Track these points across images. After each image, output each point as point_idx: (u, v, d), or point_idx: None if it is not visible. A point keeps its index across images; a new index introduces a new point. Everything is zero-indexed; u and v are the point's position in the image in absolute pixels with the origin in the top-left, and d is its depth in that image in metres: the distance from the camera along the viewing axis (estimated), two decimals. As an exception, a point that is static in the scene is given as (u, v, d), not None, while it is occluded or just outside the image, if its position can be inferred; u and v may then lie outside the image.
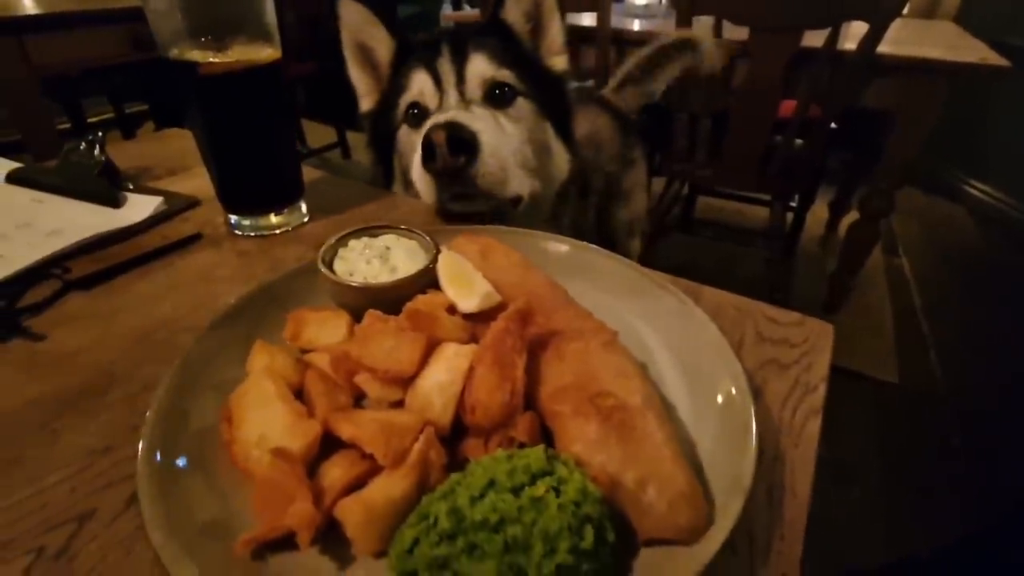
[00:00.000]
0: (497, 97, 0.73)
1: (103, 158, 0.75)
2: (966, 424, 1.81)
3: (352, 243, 0.50)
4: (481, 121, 0.66)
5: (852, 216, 2.12)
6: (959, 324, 2.30)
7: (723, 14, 1.73)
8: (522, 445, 0.35)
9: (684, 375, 0.43)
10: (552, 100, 0.78)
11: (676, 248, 2.70)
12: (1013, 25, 2.95)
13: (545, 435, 0.36)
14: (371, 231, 0.51)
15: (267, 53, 0.59)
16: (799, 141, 1.90)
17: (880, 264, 2.61)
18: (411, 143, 0.73)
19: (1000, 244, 2.91)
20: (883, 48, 1.70)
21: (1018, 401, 1.91)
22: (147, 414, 0.37)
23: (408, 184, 0.76)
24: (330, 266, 0.48)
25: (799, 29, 1.65)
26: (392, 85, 0.79)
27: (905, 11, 3.20)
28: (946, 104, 1.75)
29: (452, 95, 0.72)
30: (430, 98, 0.73)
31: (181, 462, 0.35)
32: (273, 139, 0.64)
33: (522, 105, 0.75)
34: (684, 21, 1.79)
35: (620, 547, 0.30)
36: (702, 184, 2.65)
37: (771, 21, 1.66)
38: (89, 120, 3.74)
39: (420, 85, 0.73)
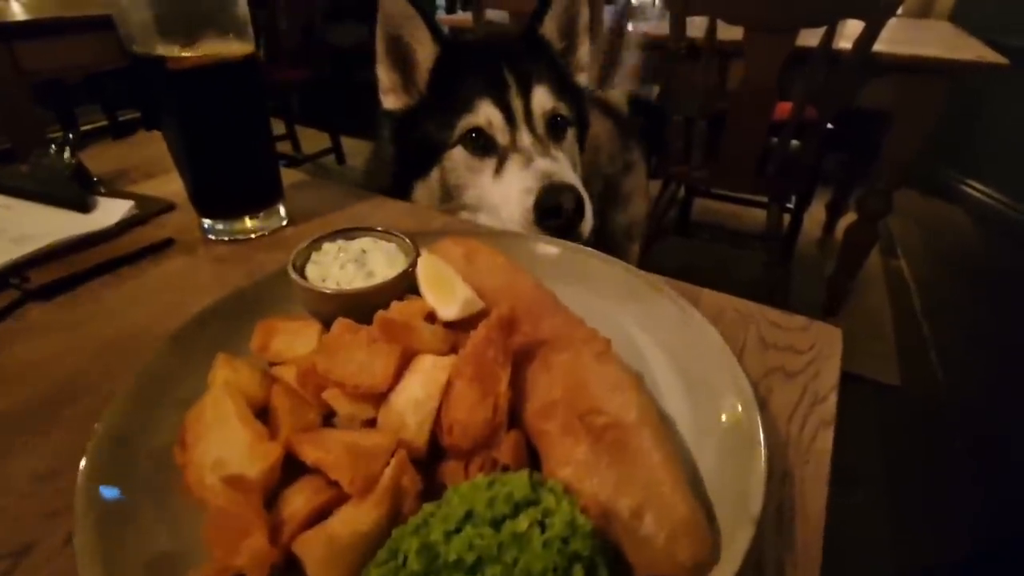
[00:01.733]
0: (555, 128, 0.78)
1: (74, 162, 0.72)
2: (970, 426, 1.78)
3: (326, 247, 0.47)
4: (571, 173, 0.73)
5: (850, 218, 2.09)
6: (960, 325, 2.27)
7: (717, 14, 1.71)
8: (506, 468, 0.31)
9: (684, 386, 0.39)
10: (579, 116, 0.82)
11: (673, 251, 2.67)
12: (1007, 25, 2.94)
13: (532, 455, 0.33)
14: (347, 233, 0.48)
15: (239, 48, 0.56)
16: (795, 142, 1.88)
17: (879, 266, 2.58)
18: (470, 166, 0.76)
19: (998, 244, 2.89)
20: (879, 47, 1.68)
21: (1021, 401, 1.88)
22: (92, 435, 0.33)
23: (447, 198, 0.79)
24: (302, 271, 0.45)
25: (794, 28, 1.63)
26: (439, 95, 0.78)
27: (900, 11, 3.19)
28: (947, 104, 1.73)
29: (525, 133, 0.75)
30: (500, 131, 0.75)
31: (128, 489, 0.32)
32: (247, 138, 0.61)
33: (570, 134, 0.80)
34: (678, 21, 1.77)
35: (615, 585, 0.27)
36: (699, 186, 2.63)
37: (766, 20, 1.64)
38: (82, 127, 3.71)
39: (488, 115, 0.75)
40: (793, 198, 2.51)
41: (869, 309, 2.30)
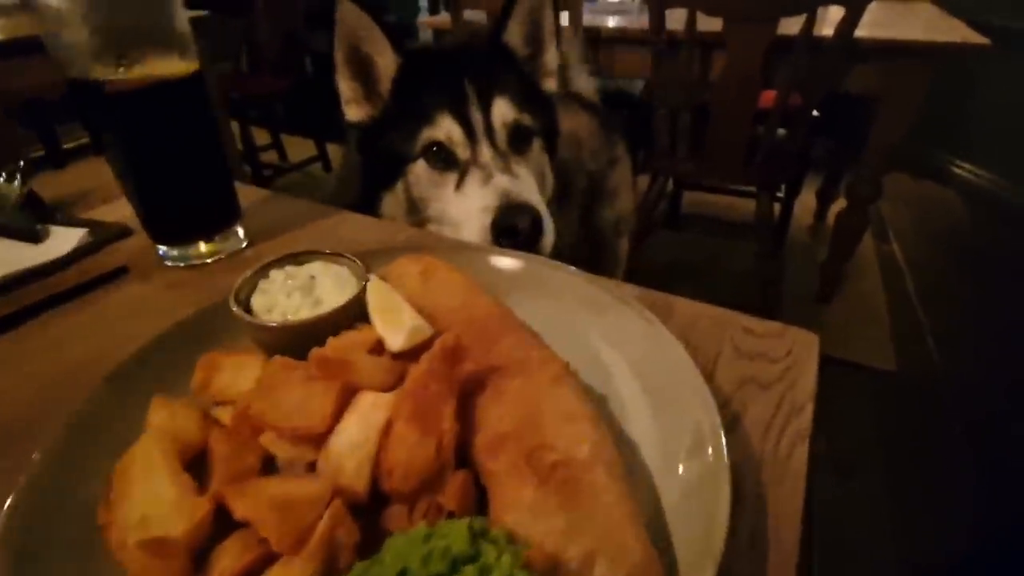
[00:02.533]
0: (518, 140, 0.76)
1: (25, 190, 0.69)
2: (967, 410, 1.77)
3: (273, 274, 0.44)
4: (533, 193, 0.73)
5: (840, 204, 2.08)
6: (954, 308, 2.26)
7: (696, 6, 1.69)
8: (451, 514, 0.29)
9: (650, 405, 0.37)
10: (546, 124, 0.80)
11: (664, 245, 2.65)
12: (989, 4, 2.92)
13: (482, 494, 0.31)
14: (296, 259, 0.46)
15: (182, 65, 0.53)
16: (782, 131, 1.86)
17: (871, 251, 2.56)
18: (432, 180, 0.76)
19: (990, 224, 2.88)
20: (862, 32, 1.66)
21: (1019, 383, 1.86)
22: (11, 495, 0.31)
23: (414, 210, 0.78)
24: (247, 302, 0.43)
25: (774, 17, 1.60)
26: (401, 106, 0.77)
27: (882, -6, 3.17)
28: (932, 84, 1.71)
29: (485, 147, 0.74)
30: (460, 146, 0.74)
31: (46, 551, 0.30)
32: (197, 159, 0.58)
33: (534, 145, 0.78)
34: (656, 15, 1.75)
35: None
36: (687, 179, 2.61)
37: (745, 11, 1.62)
38: (64, 145, 3.67)
39: (447, 129, 0.74)
40: (783, 187, 2.49)
41: (863, 295, 2.28)
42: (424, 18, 4.04)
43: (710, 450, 0.31)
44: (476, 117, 0.74)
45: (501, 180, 0.71)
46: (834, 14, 1.61)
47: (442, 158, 0.75)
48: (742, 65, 1.70)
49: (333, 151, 3.57)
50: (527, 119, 0.77)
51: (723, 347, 0.47)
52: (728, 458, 0.31)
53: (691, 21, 1.72)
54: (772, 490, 0.35)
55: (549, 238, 0.71)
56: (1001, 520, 1.45)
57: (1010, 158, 2.95)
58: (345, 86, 0.77)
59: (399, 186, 0.79)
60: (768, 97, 1.81)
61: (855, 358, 1.95)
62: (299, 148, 3.67)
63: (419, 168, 0.76)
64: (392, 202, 0.80)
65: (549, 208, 0.82)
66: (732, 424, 0.39)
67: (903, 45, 1.68)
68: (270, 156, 3.63)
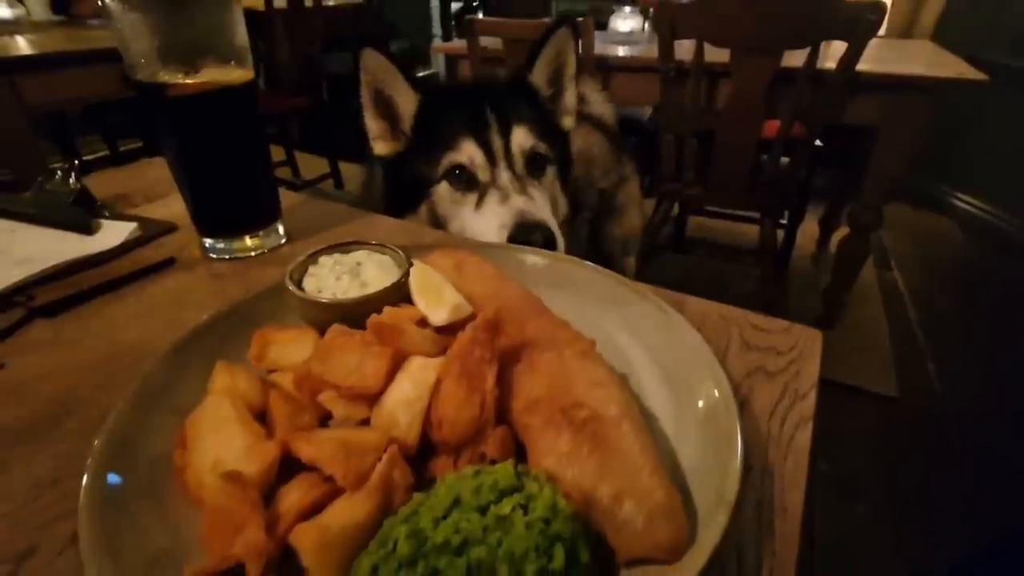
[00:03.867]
0: (534, 166, 0.82)
1: (78, 186, 0.74)
2: (969, 436, 1.78)
3: (323, 260, 0.49)
4: (547, 213, 0.78)
5: (843, 231, 2.12)
6: (955, 335, 2.28)
7: (704, 37, 1.76)
8: (493, 462, 0.32)
9: (666, 385, 0.41)
10: (560, 155, 0.86)
11: (668, 267, 2.70)
12: (988, 42, 3.02)
13: (519, 450, 0.34)
14: (343, 247, 0.50)
15: (239, 74, 0.58)
16: (785, 159, 1.92)
17: (873, 278, 2.60)
18: (454, 200, 0.81)
19: (989, 254, 2.92)
20: (864, 66, 1.73)
21: (1020, 409, 1.88)
22: (96, 440, 0.35)
23: (439, 227, 0.83)
24: (299, 284, 0.47)
25: (779, 50, 1.68)
26: (424, 137, 0.83)
27: (883, 31, 3.28)
28: (930, 119, 1.77)
29: (503, 170, 0.80)
30: (481, 168, 0.80)
31: (129, 490, 0.33)
32: (246, 159, 0.63)
33: (549, 171, 0.84)
34: (665, 45, 1.82)
35: (596, 568, 0.28)
36: (692, 203, 2.67)
37: (750, 42, 1.69)
38: (84, 157, 3.77)
39: (470, 153, 0.79)
40: (786, 214, 2.55)
41: (865, 321, 2.31)
42: (437, 44, 4.17)
43: (723, 414, 0.35)
44: (496, 143, 0.80)
45: (518, 200, 0.77)
46: (837, 48, 1.68)
47: (464, 180, 0.80)
48: (747, 95, 1.76)
49: (345, 169, 3.65)
50: (543, 148, 0.83)
51: (731, 341, 0.50)
52: (739, 424, 0.34)
53: (699, 51, 1.80)
54: (778, 465, 0.38)
55: (560, 252, 0.74)
56: (1003, 545, 1.46)
57: (1008, 190, 3.02)
58: (372, 124, 0.84)
59: (422, 208, 0.84)
60: (772, 127, 1.87)
61: (857, 383, 1.97)
62: (312, 165, 3.76)
63: (442, 189, 0.82)
64: (415, 223, 0.84)
65: (561, 229, 0.88)
66: (741, 407, 0.43)
67: (903, 79, 1.74)
68: (283, 172, 3.71)
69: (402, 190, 0.86)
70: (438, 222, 0.84)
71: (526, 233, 0.72)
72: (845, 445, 1.75)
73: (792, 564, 0.32)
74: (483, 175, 0.80)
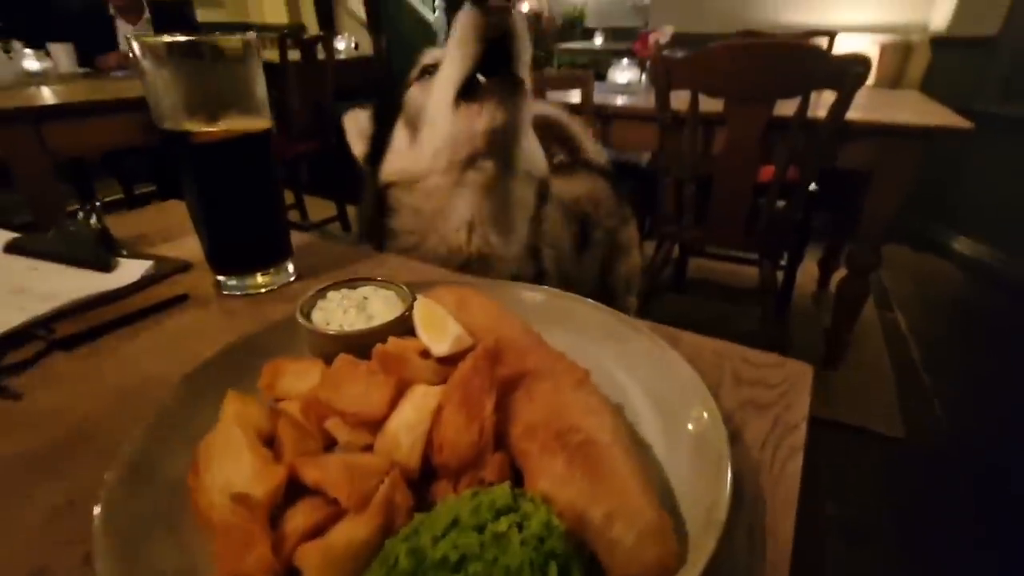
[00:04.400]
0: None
1: (99, 227, 0.78)
2: (980, 477, 1.75)
3: (331, 295, 0.51)
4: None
5: (842, 272, 2.15)
6: (960, 375, 2.27)
7: (698, 88, 1.84)
8: (491, 485, 0.34)
9: (659, 416, 0.42)
10: None
11: (670, 307, 2.72)
12: (975, 92, 3.13)
13: (516, 476, 0.36)
14: (350, 283, 0.53)
15: (257, 123, 0.63)
16: (781, 202, 1.97)
17: (875, 319, 2.61)
18: (425, 89, 0.77)
19: (989, 295, 2.93)
20: (855, 114, 1.79)
21: (1031, 455, 1.85)
22: (111, 465, 0.36)
23: (415, 136, 0.79)
24: (308, 317, 0.49)
25: (770, 99, 1.75)
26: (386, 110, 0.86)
27: (872, 82, 3.40)
28: (928, 165, 1.83)
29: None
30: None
31: (142, 512, 0.34)
32: (261, 201, 0.67)
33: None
34: (662, 96, 1.90)
35: (590, 588, 0.29)
36: (691, 245, 2.71)
37: (743, 93, 1.77)
38: (103, 200, 3.88)
39: (434, 54, 0.79)
40: (785, 255, 2.58)
41: (869, 361, 2.31)
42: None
43: (713, 440, 0.36)
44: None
45: None
46: (828, 97, 1.75)
47: (430, 71, 0.80)
48: (742, 142, 1.83)
49: (352, 212, 3.74)
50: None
51: (724, 375, 0.52)
52: (728, 449, 0.36)
53: (694, 101, 1.87)
54: (769, 494, 0.39)
55: (528, 49, 0.71)
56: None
57: (1005, 233, 3.06)
58: (354, 139, 0.92)
59: (400, 121, 0.84)
60: (768, 171, 1.93)
61: (862, 423, 1.96)
62: (320, 208, 3.85)
63: (413, 91, 0.82)
64: (395, 151, 0.84)
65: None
66: (732, 438, 0.44)
67: (892, 127, 1.81)
68: (292, 215, 3.80)
69: (380, 138, 0.87)
70: (413, 130, 0.81)
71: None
72: (852, 487, 1.72)
73: (783, 589, 0.33)
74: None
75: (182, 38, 0.56)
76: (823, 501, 1.66)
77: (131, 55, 0.58)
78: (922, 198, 3.29)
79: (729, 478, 0.33)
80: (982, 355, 2.43)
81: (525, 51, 0.71)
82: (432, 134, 0.77)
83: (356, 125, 0.90)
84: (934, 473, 1.79)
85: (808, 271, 2.82)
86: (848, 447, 1.88)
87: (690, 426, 0.39)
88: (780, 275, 2.54)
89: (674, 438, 0.39)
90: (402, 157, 0.82)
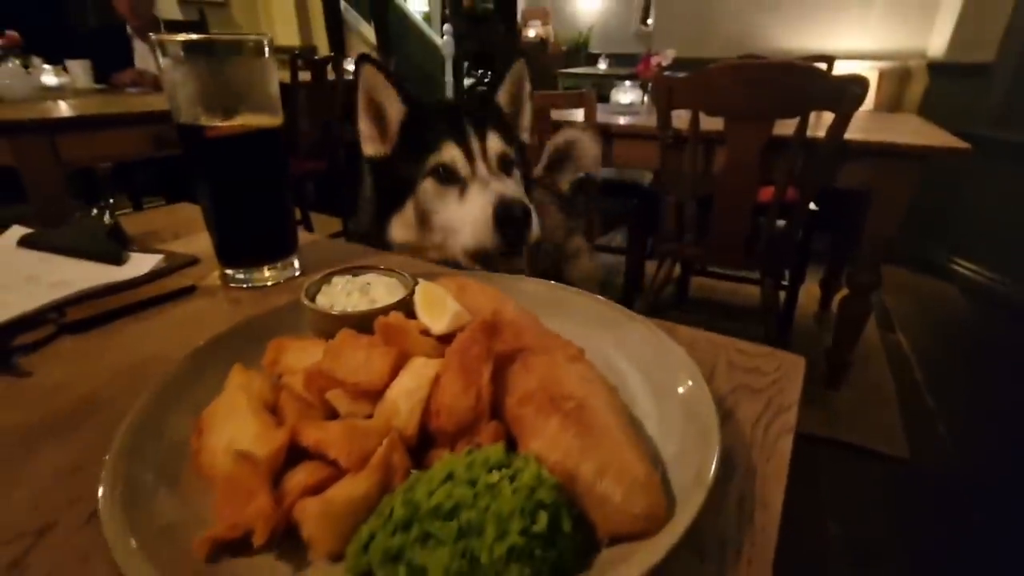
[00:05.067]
0: (504, 166, 0.94)
1: (112, 222, 0.80)
2: (985, 498, 1.73)
3: (335, 279, 0.53)
4: (520, 192, 0.89)
5: (844, 292, 2.16)
6: (964, 397, 2.26)
7: (698, 108, 1.88)
8: (486, 450, 0.35)
9: (652, 395, 0.43)
10: (522, 163, 1.00)
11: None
12: (973, 116, 3.18)
13: (511, 445, 0.37)
14: (355, 270, 0.54)
15: (268, 119, 0.65)
16: (782, 222, 1.99)
17: (878, 340, 2.60)
18: (437, 192, 0.90)
19: (992, 318, 2.93)
20: (856, 135, 1.82)
21: (1037, 477, 1.83)
22: (120, 427, 0.37)
23: (421, 224, 0.92)
24: (313, 300, 0.50)
25: (770, 119, 1.78)
26: (409, 142, 0.94)
27: (872, 106, 3.47)
28: (927, 189, 1.85)
29: (481, 166, 0.91)
30: (461, 166, 0.90)
31: (148, 469, 0.35)
32: (270, 196, 0.69)
33: (516, 173, 0.96)
34: (663, 116, 1.94)
35: (580, 542, 0.30)
36: (693, 263, 2.73)
37: (742, 113, 1.80)
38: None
39: (452, 154, 0.90)
40: (787, 274, 2.59)
41: (871, 382, 2.30)
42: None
43: (701, 406, 0.37)
44: (474, 145, 0.91)
45: (498, 185, 0.88)
46: (827, 118, 1.78)
47: (446, 177, 0.90)
48: (741, 161, 1.86)
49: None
50: (511, 152, 0.95)
51: (718, 362, 0.53)
52: (716, 416, 0.36)
53: (694, 121, 1.91)
54: (760, 466, 0.40)
55: (536, 230, 0.87)
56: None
57: (1006, 256, 3.07)
58: (364, 126, 0.94)
59: (409, 205, 0.93)
60: (769, 192, 1.95)
61: (866, 443, 1.94)
62: (325, 225, 3.90)
63: (427, 184, 0.91)
64: (401, 222, 0.94)
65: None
66: (726, 417, 0.45)
67: (891, 147, 1.84)
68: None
69: (389, 191, 0.95)
70: (422, 217, 0.92)
71: (508, 208, 0.82)
72: (856, 508, 1.70)
73: (771, 555, 0.33)
74: (464, 171, 0.90)
75: (197, 36, 0.58)
76: (826, 522, 1.64)
77: (154, 52, 0.60)
78: (923, 221, 3.32)
79: (717, 441, 0.34)
80: (985, 376, 2.42)
81: (533, 234, 0.86)
82: (442, 237, 0.91)
83: (367, 130, 0.96)
84: (940, 495, 1.76)
85: (810, 291, 2.83)
86: (851, 467, 1.86)
87: (680, 392, 0.40)
88: (782, 295, 2.55)
89: (666, 414, 0.40)
90: (410, 231, 0.94)
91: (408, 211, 0.93)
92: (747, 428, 0.44)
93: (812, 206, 2.27)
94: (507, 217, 0.82)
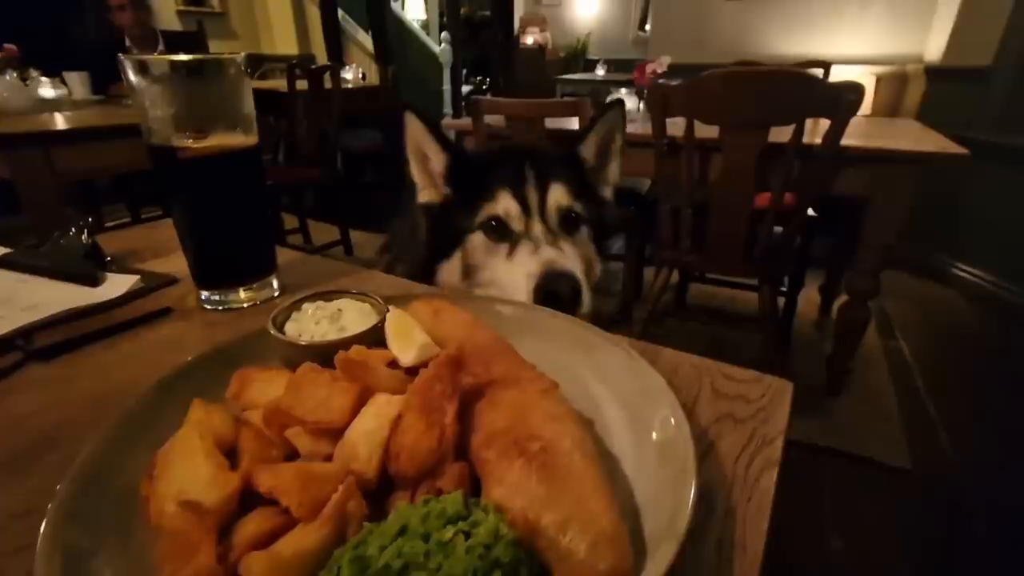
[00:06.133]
0: (568, 223, 0.85)
1: (90, 242, 0.79)
2: (989, 510, 1.70)
3: (305, 306, 0.51)
4: (573, 261, 0.80)
5: (843, 299, 2.14)
6: (965, 404, 2.23)
7: (693, 115, 1.87)
8: (448, 495, 0.33)
9: (630, 428, 0.41)
10: (598, 220, 0.90)
11: (671, 333, 2.70)
12: (972, 121, 3.16)
13: (476, 486, 0.35)
14: (326, 296, 0.53)
15: (243, 139, 0.64)
16: (779, 228, 1.97)
17: (878, 346, 2.58)
18: (486, 248, 0.85)
19: (994, 322, 2.90)
20: (853, 141, 1.81)
21: (1042, 487, 1.80)
22: (68, 471, 0.36)
23: (468, 276, 0.87)
24: (281, 328, 0.49)
25: (765, 126, 1.77)
26: (463, 191, 0.88)
27: (870, 111, 3.45)
28: (927, 193, 1.83)
29: (537, 223, 0.83)
30: (515, 220, 0.83)
31: (93, 523, 0.34)
32: (245, 217, 0.67)
33: (583, 231, 0.87)
34: (658, 124, 1.93)
35: (541, 600, 0.28)
36: (690, 270, 2.71)
37: (737, 120, 1.79)
38: (107, 224, 3.94)
39: (506, 205, 0.83)
40: (786, 280, 2.57)
41: (871, 389, 2.27)
42: (447, 121, 4.42)
43: (678, 447, 0.35)
44: (532, 197, 0.84)
45: (547, 251, 0.79)
46: (823, 124, 1.77)
47: (498, 231, 0.84)
48: (737, 168, 1.84)
49: (355, 236, 3.78)
50: (579, 207, 0.86)
51: (702, 389, 0.51)
52: (695, 459, 0.35)
53: (689, 128, 1.90)
54: (741, 506, 0.38)
55: (587, 305, 0.77)
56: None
57: (1007, 260, 3.04)
58: (416, 175, 0.91)
59: (457, 255, 0.88)
60: (765, 197, 1.94)
61: (867, 453, 1.91)
62: (323, 233, 3.89)
63: (477, 238, 0.86)
64: (448, 270, 0.89)
65: (593, 289, 0.88)
66: (707, 451, 0.43)
67: (889, 153, 1.82)
68: (296, 239, 3.84)
69: (440, 239, 0.90)
70: (468, 270, 0.87)
71: (553, 282, 0.74)
72: (858, 521, 1.67)
73: (749, 605, 0.31)
74: (517, 227, 0.83)
75: (168, 57, 0.57)
76: (828, 535, 1.61)
77: (123, 73, 0.59)
78: (923, 226, 3.29)
79: (693, 486, 0.32)
80: (987, 383, 2.39)
81: (583, 309, 0.76)
82: (491, 281, 0.84)
83: (419, 177, 0.92)
84: (944, 507, 1.74)
85: (809, 298, 2.80)
86: (853, 478, 1.84)
87: (655, 434, 0.38)
88: (781, 301, 2.53)
89: (642, 449, 0.38)
90: (456, 280, 0.88)
91: (455, 261, 0.88)
92: (728, 463, 0.42)
93: (811, 212, 2.25)
94: (550, 292, 0.74)
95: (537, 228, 0.83)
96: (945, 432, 2.02)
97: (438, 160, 0.90)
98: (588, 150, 0.94)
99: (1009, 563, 1.54)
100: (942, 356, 2.59)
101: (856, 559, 1.54)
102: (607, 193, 0.96)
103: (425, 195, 0.93)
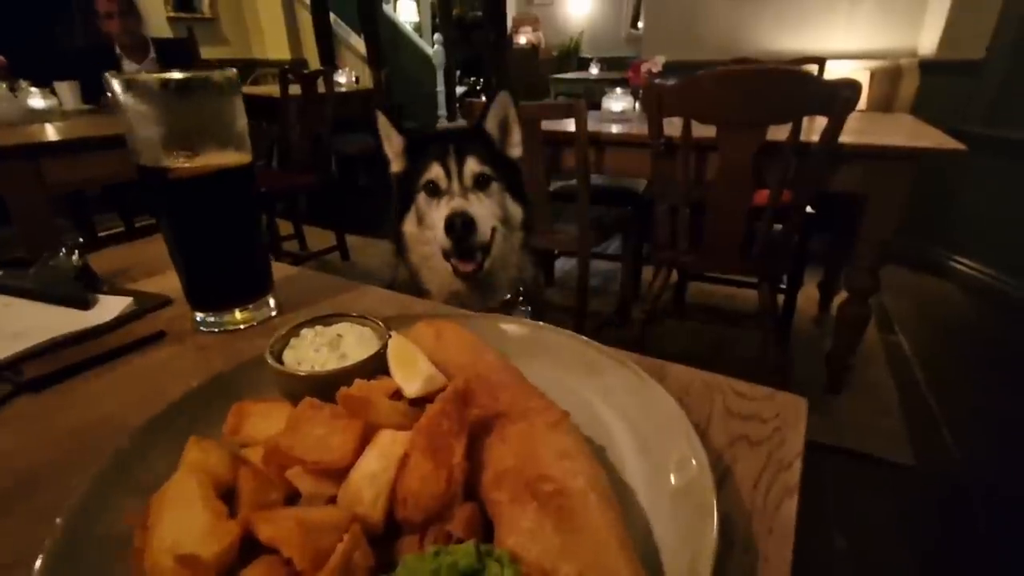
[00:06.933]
0: (480, 182, 1.15)
1: (80, 262, 0.77)
2: (993, 506, 1.69)
3: (304, 332, 0.49)
4: (475, 206, 1.11)
5: (843, 295, 2.13)
6: (967, 399, 2.22)
7: (689, 115, 1.86)
8: (460, 541, 0.31)
9: (644, 456, 0.40)
10: (511, 176, 1.20)
11: (670, 333, 2.69)
12: (964, 115, 3.16)
13: (488, 526, 0.33)
14: (325, 320, 0.51)
15: (235, 158, 0.62)
16: (777, 226, 1.96)
17: (878, 342, 2.58)
18: (427, 202, 1.15)
19: (993, 315, 2.90)
20: (849, 138, 1.80)
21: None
22: (57, 520, 0.34)
23: (421, 220, 1.17)
24: (279, 356, 0.47)
25: (761, 125, 1.76)
26: (412, 163, 1.19)
27: (865, 106, 3.44)
28: (923, 186, 1.82)
29: (456, 183, 1.13)
30: (442, 181, 1.14)
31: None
32: (239, 237, 0.66)
33: (493, 186, 1.17)
34: (655, 124, 1.92)
35: (561, 658, 0.26)
36: (688, 269, 2.70)
37: (734, 119, 1.78)
38: (100, 234, 3.90)
39: (435, 172, 1.14)
40: (785, 278, 2.56)
41: (872, 385, 2.27)
42: (442, 124, 4.41)
43: (699, 486, 0.34)
44: (452, 165, 1.13)
45: (457, 201, 1.10)
46: (821, 122, 1.76)
47: (432, 190, 1.14)
48: (734, 167, 1.83)
49: (351, 241, 3.75)
50: (488, 170, 1.15)
51: (714, 408, 0.50)
52: (716, 499, 0.33)
53: (686, 128, 1.88)
54: (761, 539, 0.37)
55: (482, 236, 1.09)
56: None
57: (1005, 253, 3.04)
58: (388, 151, 1.22)
59: (412, 208, 1.19)
60: (763, 195, 1.92)
61: (870, 450, 1.91)
62: (318, 238, 3.86)
63: (421, 196, 1.16)
64: (409, 220, 1.19)
65: (513, 228, 1.20)
66: (723, 477, 0.42)
67: (885, 150, 1.81)
68: (291, 245, 3.82)
69: (403, 197, 1.20)
70: (420, 219, 1.17)
71: (454, 217, 1.05)
72: (862, 519, 1.66)
73: (776, 651, 0.30)
74: (444, 186, 1.14)
75: (157, 76, 0.55)
76: (831, 534, 1.60)
77: (109, 90, 0.57)
78: (920, 220, 3.29)
79: (715, 527, 0.31)
80: (988, 377, 2.39)
81: (479, 240, 1.10)
82: (431, 234, 1.14)
83: (389, 154, 1.23)
84: (948, 504, 1.73)
85: (809, 295, 2.80)
86: (856, 475, 1.83)
87: (673, 470, 0.36)
88: (780, 298, 2.52)
89: (658, 482, 0.37)
90: (413, 226, 1.19)
91: (412, 212, 1.19)
92: (746, 490, 0.40)
93: (809, 209, 2.24)
94: (451, 226, 1.06)
95: (455, 187, 1.13)
96: (946, 427, 2.02)
97: (397, 141, 1.21)
98: (491, 125, 1.20)
99: (1012, 558, 1.54)
100: (942, 350, 2.58)
101: (859, 556, 1.53)
102: (515, 153, 1.24)
103: (394, 166, 1.23)
